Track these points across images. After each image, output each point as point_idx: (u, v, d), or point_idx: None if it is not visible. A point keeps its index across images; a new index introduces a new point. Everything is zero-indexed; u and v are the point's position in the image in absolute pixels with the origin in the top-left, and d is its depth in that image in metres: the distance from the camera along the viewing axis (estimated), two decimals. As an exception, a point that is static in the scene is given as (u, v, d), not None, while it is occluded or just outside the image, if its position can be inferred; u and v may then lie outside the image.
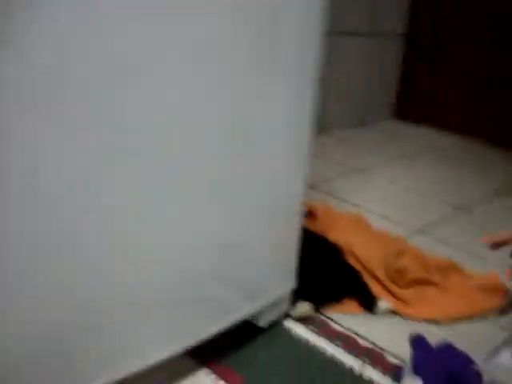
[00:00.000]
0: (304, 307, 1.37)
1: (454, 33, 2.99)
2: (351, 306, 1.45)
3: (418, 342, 1.10)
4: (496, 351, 1.07)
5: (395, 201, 2.10)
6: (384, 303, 1.43)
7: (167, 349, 1.01)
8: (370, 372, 1.20)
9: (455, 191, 2.27)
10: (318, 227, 1.68)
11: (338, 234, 1.60)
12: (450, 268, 1.62)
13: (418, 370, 1.05)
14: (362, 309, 1.43)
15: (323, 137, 2.86)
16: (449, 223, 1.94)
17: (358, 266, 1.52)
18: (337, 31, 2.69)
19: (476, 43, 2.90)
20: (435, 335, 1.22)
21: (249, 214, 1.06)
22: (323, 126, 2.90)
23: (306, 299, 1.37)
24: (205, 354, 1.19)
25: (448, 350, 1.08)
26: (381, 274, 1.50)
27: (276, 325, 1.33)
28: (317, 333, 1.33)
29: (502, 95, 2.85)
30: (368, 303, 1.43)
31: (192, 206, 0.93)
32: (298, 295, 1.33)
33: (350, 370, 1.20)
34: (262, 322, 1.27)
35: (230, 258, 1.07)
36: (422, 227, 1.90)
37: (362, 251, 1.56)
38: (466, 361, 1.07)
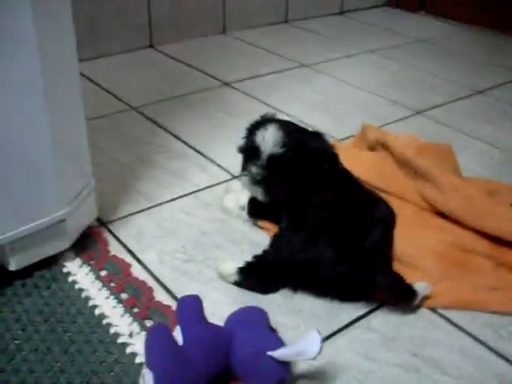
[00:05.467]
0: (227, 268, 1.08)
1: None
2: None
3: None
4: None
5: (316, 104, 1.86)
6: (423, 285, 1.02)
7: None
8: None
9: (406, 96, 1.96)
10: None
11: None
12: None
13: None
14: None
15: (282, 27, 2.60)
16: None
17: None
18: None
19: None
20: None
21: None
22: (288, 15, 2.60)
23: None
24: None
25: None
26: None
27: (52, 266, 1.08)
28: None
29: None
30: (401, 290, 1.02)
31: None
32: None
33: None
34: (14, 264, 1.02)
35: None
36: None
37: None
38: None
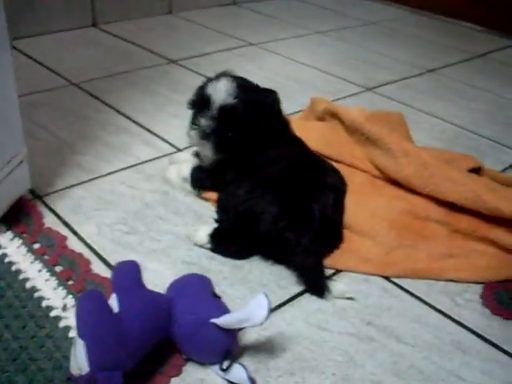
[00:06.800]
0: (199, 238, 1.01)
1: None
2: None
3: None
4: None
5: (265, 81, 1.81)
6: (341, 288, 0.94)
7: None
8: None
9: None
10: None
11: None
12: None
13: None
14: None
15: (230, 9, 2.55)
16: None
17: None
18: None
19: None
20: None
21: None
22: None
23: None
24: None
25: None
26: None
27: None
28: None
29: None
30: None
31: None
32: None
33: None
34: None
35: None
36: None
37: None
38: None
